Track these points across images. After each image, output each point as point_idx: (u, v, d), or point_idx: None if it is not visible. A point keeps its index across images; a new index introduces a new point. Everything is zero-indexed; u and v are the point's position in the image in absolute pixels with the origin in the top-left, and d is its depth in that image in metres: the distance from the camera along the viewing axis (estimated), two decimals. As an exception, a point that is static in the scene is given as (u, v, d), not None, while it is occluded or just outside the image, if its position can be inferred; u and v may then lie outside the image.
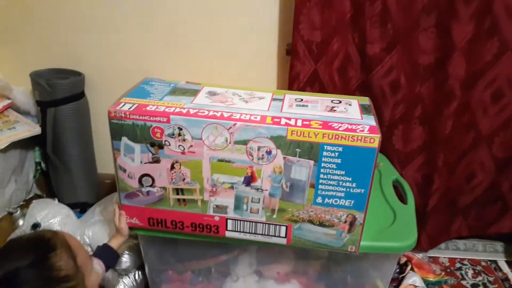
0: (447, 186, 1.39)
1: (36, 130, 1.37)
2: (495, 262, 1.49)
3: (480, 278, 1.42)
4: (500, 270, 1.45)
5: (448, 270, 1.45)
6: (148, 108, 0.91)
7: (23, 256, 0.71)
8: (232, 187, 0.94)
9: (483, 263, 1.48)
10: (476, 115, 1.29)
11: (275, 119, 0.89)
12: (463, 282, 1.40)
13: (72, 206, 1.40)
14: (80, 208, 1.47)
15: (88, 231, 1.30)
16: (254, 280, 1.16)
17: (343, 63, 1.30)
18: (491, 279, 1.41)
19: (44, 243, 0.77)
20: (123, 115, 0.90)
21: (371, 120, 0.90)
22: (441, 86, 1.25)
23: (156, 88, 1.03)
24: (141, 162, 0.94)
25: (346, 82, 1.34)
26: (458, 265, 1.47)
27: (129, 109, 0.90)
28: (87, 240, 1.29)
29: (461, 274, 1.43)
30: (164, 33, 1.39)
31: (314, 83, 1.32)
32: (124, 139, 0.93)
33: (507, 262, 1.49)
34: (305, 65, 1.28)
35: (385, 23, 1.22)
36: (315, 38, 1.24)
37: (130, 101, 0.94)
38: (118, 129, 0.92)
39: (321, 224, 0.94)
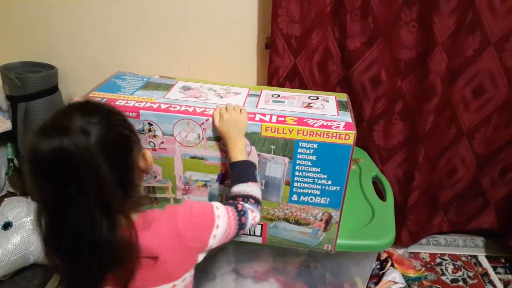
0: (428, 182, 1.38)
1: (6, 126, 1.33)
2: (475, 257, 1.49)
3: (460, 273, 1.42)
4: (480, 265, 1.45)
5: (429, 265, 1.44)
6: (117, 102, 0.88)
7: (91, 113, 0.61)
8: (205, 185, 0.91)
9: (464, 258, 1.48)
10: (457, 111, 1.28)
11: (249, 115, 0.86)
12: (443, 278, 1.39)
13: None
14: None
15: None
16: (231, 279, 1.14)
17: (323, 57, 1.28)
18: (471, 274, 1.41)
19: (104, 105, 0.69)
20: (92, 110, 0.87)
21: (347, 117, 0.88)
22: (422, 81, 1.23)
23: (128, 82, 1.00)
24: (111, 160, 0.91)
25: (326, 77, 1.31)
26: (438, 260, 1.47)
27: (98, 103, 0.87)
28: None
29: (441, 269, 1.43)
30: (139, 25, 1.35)
31: (294, 79, 1.30)
32: (93, 136, 0.89)
33: (487, 257, 1.49)
34: (284, 60, 1.25)
35: (365, 16, 1.20)
36: (294, 32, 1.22)
37: (100, 95, 0.91)
38: (87, 125, 0.88)
39: (297, 223, 0.92)
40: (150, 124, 0.86)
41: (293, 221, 0.93)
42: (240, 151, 0.82)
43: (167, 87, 0.98)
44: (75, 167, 0.54)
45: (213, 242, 0.73)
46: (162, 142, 0.88)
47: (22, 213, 1.28)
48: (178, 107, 0.87)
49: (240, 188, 0.79)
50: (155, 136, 0.87)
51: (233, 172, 0.82)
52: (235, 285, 1.14)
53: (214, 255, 1.11)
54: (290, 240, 0.95)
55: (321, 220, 0.91)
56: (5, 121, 1.35)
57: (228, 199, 0.82)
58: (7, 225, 1.25)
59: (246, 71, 1.41)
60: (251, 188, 0.79)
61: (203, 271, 1.14)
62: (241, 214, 0.76)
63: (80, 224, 0.57)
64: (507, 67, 1.22)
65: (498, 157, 1.35)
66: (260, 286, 1.13)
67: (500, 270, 1.44)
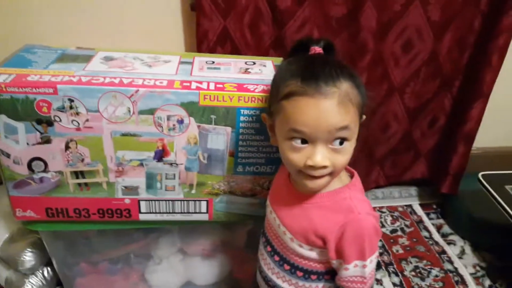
0: (364, 138, 1.40)
1: None
2: (410, 206, 1.57)
3: (398, 223, 1.48)
4: (415, 213, 1.53)
5: (369, 220, 1.49)
6: (29, 78, 0.77)
7: None
8: (141, 165, 0.83)
9: (400, 209, 1.55)
10: (388, 67, 1.30)
11: (184, 83, 0.79)
12: (383, 230, 1.45)
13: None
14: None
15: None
16: (178, 259, 1.08)
17: (253, 18, 1.21)
18: (407, 223, 1.49)
19: None
20: (-3, 88, 0.74)
21: (288, 78, 0.83)
22: (354, 38, 1.22)
23: (40, 55, 0.88)
24: (27, 144, 0.80)
25: (259, 39, 1.26)
26: (377, 213, 1.52)
27: (4, 80, 0.75)
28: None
29: (381, 222, 1.49)
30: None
31: (225, 42, 1.22)
32: (3, 118, 0.77)
33: (420, 205, 1.57)
34: (212, 22, 1.17)
35: (294, -28, 1.14)
36: (221, -10, 1.13)
37: (6, 71, 0.79)
38: (-7, 106, 0.76)
39: (244, 194, 0.88)
40: (71, 100, 0.76)
41: (240, 193, 0.89)
42: None
43: (87, 59, 0.87)
44: None
45: None
46: (87, 120, 0.78)
47: None
48: (102, 79, 0.77)
49: None
50: (78, 113, 0.77)
51: None
52: (183, 266, 1.09)
53: (156, 237, 1.05)
54: (238, 213, 0.91)
55: (268, 188, 0.88)
56: None
57: None
58: None
59: (172, 37, 1.29)
60: None
61: (146, 255, 1.07)
62: None
63: None
64: (432, 20, 1.25)
65: (426, 110, 1.41)
66: (209, 262, 1.09)
67: (432, 216, 1.53)
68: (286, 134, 0.62)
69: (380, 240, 1.40)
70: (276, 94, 0.64)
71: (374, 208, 1.54)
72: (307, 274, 0.71)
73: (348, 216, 0.64)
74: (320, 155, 0.60)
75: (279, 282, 0.74)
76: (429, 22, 1.25)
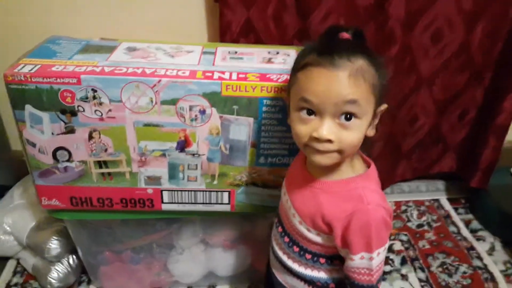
0: (390, 132, 1.37)
1: None
2: (437, 200, 1.52)
3: (424, 218, 1.44)
4: (442, 208, 1.49)
5: (394, 213, 1.46)
6: (54, 68, 0.77)
7: None
8: (164, 155, 0.83)
9: (427, 203, 1.51)
10: (416, 58, 1.25)
11: (207, 73, 0.78)
12: (409, 224, 1.42)
13: (-14, 191, 1.24)
14: (-4, 192, 1.30)
15: (8, 218, 1.14)
16: (200, 250, 1.08)
17: (277, 9, 1.19)
18: (434, 217, 1.45)
19: None
20: (23, 78, 0.75)
21: (312, 68, 0.82)
22: (382, 28, 1.19)
23: (64, 46, 0.89)
24: (52, 134, 0.81)
25: (283, 31, 1.23)
26: (403, 207, 1.49)
27: (30, 71, 0.76)
28: (8, 228, 1.13)
29: (407, 216, 1.45)
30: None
31: (249, 34, 1.21)
32: (29, 108, 0.78)
33: (448, 199, 1.53)
34: (236, 13, 1.16)
35: (319, -39, 1.12)
36: (245, -20, 1.12)
37: (32, 61, 0.80)
38: (19, 96, 0.77)
39: (265, 186, 0.87)
40: (94, 91, 0.76)
41: (262, 184, 0.87)
42: None
43: (110, 49, 0.87)
44: None
45: None
46: (110, 110, 0.78)
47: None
48: (125, 69, 0.77)
49: None
50: (101, 103, 0.77)
51: None
52: (205, 256, 1.09)
53: (179, 228, 1.05)
54: (260, 205, 0.90)
55: (292, 180, 0.86)
56: None
57: None
58: None
59: (195, 29, 1.29)
60: None
61: (169, 245, 1.07)
62: None
63: None
64: (463, 10, 1.19)
65: (456, 102, 1.36)
66: (230, 254, 1.09)
67: (461, 210, 1.48)
68: (296, 105, 0.61)
69: (406, 235, 1.37)
70: (294, 68, 0.64)
71: (400, 202, 1.50)
72: (316, 257, 0.71)
73: (357, 206, 0.63)
74: (326, 128, 0.59)
75: (289, 262, 0.74)
76: (460, 11, 1.20)
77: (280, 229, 0.76)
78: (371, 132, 0.64)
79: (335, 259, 0.71)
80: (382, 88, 0.62)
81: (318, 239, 0.68)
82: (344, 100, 0.58)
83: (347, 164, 0.67)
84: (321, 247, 0.70)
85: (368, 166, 0.70)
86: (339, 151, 0.61)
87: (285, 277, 0.77)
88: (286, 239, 0.74)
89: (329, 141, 0.59)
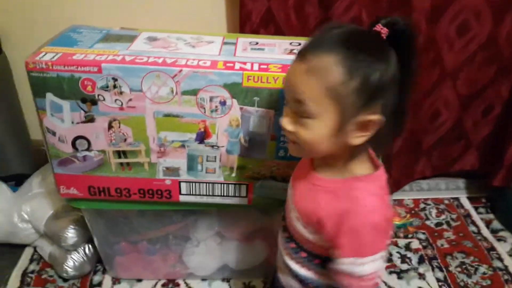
0: (411, 128, 1.33)
1: None
2: (457, 199, 1.49)
3: (443, 216, 1.41)
4: (462, 206, 1.46)
5: (413, 211, 1.43)
6: (75, 57, 0.77)
7: None
8: (183, 146, 0.82)
9: (446, 201, 1.48)
10: (441, 51, 1.22)
11: (227, 64, 0.77)
12: (427, 222, 1.39)
13: (5, 179, 1.25)
14: (16, 180, 1.31)
15: (26, 206, 1.14)
16: (216, 243, 1.08)
17: (299, -1, 1.17)
18: (454, 216, 1.42)
19: None
20: (44, 66, 0.75)
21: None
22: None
23: (85, 35, 0.88)
24: (72, 123, 0.80)
25: (304, 21, 1.21)
26: (422, 205, 1.46)
27: (51, 59, 0.76)
28: (26, 216, 1.14)
29: (425, 214, 1.42)
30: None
31: (269, 24, 1.19)
32: (49, 96, 0.78)
33: (468, 198, 1.49)
34: (256, 2, 1.14)
35: (344, -51, 1.09)
36: (266, -31, 1.10)
37: (53, 50, 0.79)
38: (41, 84, 0.77)
39: (284, 180, 0.86)
40: (115, 80, 0.75)
41: (281, 178, 0.86)
42: None
43: (130, 39, 0.86)
44: None
45: None
46: (130, 100, 0.77)
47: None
48: (146, 59, 0.76)
49: None
50: (121, 93, 0.76)
51: None
52: (220, 249, 1.08)
53: (195, 220, 1.04)
54: (279, 199, 0.88)
55: (312, 174, 0.85)
56: None
57: None
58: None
59: (214, 19, 1.28)
60: None
61: (185, 237, 1.07)
62: None
63: None
64: (492, 1, 1.15)
65: (481, 97, 1.32)
66: (246, 248, 1.08)
67: (481, 210, 1.45)
68: None
69: (424, 233, 1.34)
70: None
71: (419, 200, 1.47)
72: (311, 257, 0.68)
73: (351, 207, 0.59)
74: (285, 119, 0.59)
75: (286, 258, 0.72)
76: (488, 2, 1.16)
77: (283, 223, 0.75)
78: (355, 140, 0.57)
79: (330, 262, 0.66)
80: (361, 96, 0.54)
81: (313, 237, 0.66)
82: (293, 97, 0.56)
83: (350, 164, 0.62)
84: (316, 247, 0.67)
85: (377, 168, 0.66)
86: (299, 145, 0.60)
87: (286, 278, 0.74)
88: (287, 234, 0.72)
89: (289, 131, 0.59)
